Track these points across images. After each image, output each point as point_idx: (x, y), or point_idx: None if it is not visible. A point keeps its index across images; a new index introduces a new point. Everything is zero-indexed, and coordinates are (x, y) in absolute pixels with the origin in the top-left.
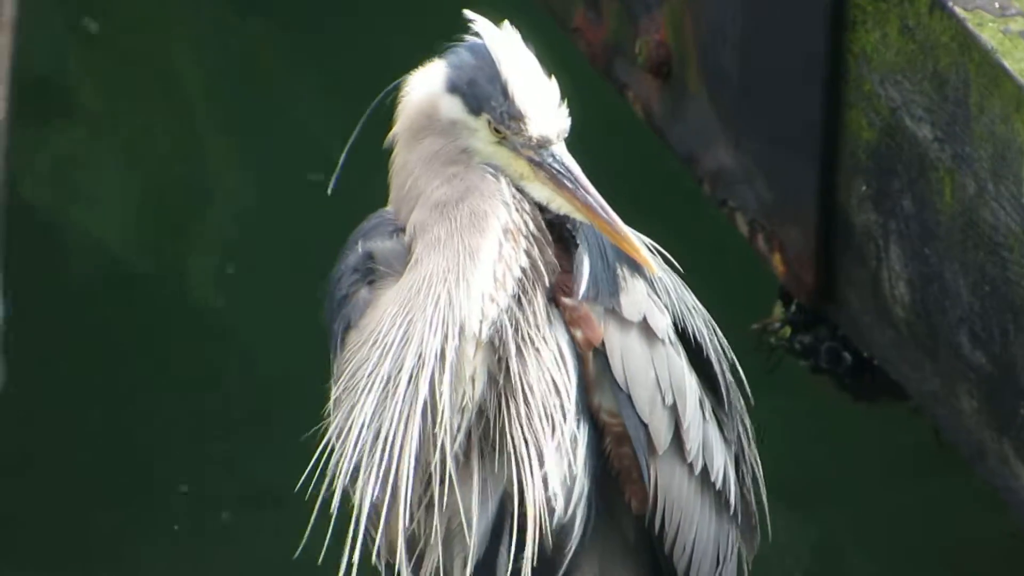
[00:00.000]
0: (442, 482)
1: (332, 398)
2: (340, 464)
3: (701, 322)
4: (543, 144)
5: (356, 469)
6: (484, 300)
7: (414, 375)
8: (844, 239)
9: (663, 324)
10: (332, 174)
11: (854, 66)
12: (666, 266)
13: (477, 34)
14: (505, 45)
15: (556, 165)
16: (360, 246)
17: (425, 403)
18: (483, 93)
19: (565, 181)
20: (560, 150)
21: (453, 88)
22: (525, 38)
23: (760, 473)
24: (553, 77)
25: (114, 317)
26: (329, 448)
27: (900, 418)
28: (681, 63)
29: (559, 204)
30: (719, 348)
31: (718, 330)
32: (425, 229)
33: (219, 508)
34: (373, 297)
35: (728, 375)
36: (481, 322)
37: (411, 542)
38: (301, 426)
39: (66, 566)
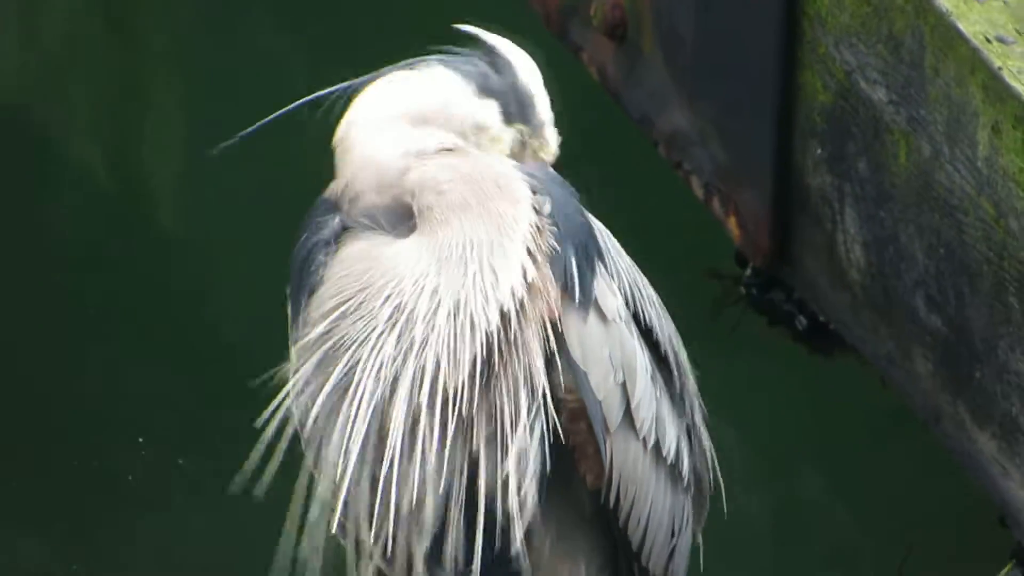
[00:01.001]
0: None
1: (295, 348)
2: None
3: (650, 302)
4: (551, 155)
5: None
6: (520, 271)
7: (431, 335)
8: (799, 202)
9: (614, 304)
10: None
11: (809, 29)
12: (618, 246)
13: (475, 43)
14: (528, 64)
15: None
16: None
17: (423, 368)
18: (522, 105)
19: None
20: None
21: (488, 93)
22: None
23: (711, 447)
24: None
25: (81, 288)
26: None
27: (859, 374)
28: (636, 25)
29: None
30: (667, 324)
31: (665, 312)
32: (443, 189)
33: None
34: (350, 242)
35: (679, 351)
36: (513, 293)
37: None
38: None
39: (27, 530)
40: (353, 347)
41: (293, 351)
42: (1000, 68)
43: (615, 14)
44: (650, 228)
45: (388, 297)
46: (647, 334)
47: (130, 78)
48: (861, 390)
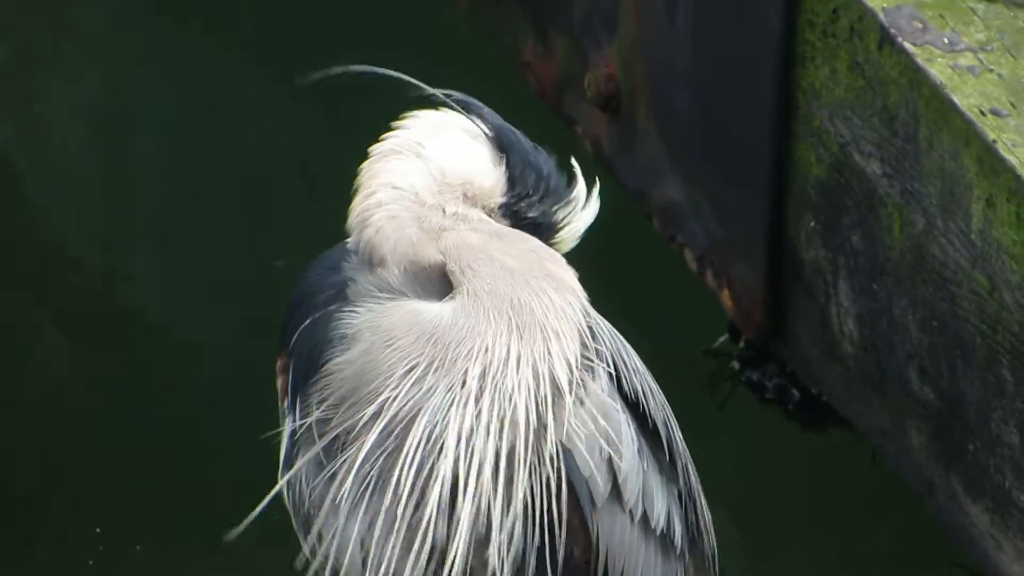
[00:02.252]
0: None
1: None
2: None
3: (635, 370)
4: None
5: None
6: (579, 335)
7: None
8: (793, 275)
9: (603, 378)
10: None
11: (803, 102)
12: (601, 317)
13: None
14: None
15: None
16: (336, 267)
17: (512, 441)
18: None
19: None
20: None
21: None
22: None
23: (706, 509)
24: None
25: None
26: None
27: (850, 449)
28: (630, 98)
29: None
30: (654, 390)
31: (651, 377)
32: (486, 259)
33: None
34: (383, 311)
35: (668, 417)
36: (570, 382)
37: None
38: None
39: None
40: (427, 417)
41: (294, 430)
42: (995, 141)
43: (609, 87)
44: (642, 302)
45: (469, 363)
46: (633, 405)
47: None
48: (850, 468)
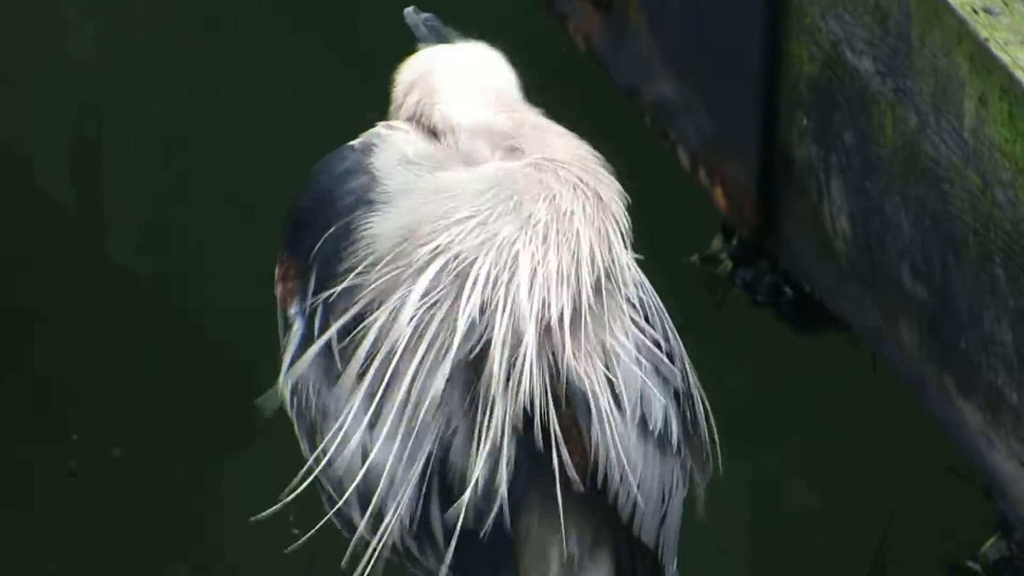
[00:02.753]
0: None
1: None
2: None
3: (631, 269)
4: None
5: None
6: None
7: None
8: (785, 173)
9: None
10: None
11: None
12: None
13: None
14: None
15: None
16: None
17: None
18: None
19: None
20: None
21: None
22: None
23: (705, 405)
24: None
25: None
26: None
27: (842, 349)
28: None
29: None
30: (650, 292)
31: (644, 280)
32: (555, 135)
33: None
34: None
35: (664, 315)
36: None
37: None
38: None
39: None
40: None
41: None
42: (987, 39)
43: None
44: (635, 202)
45: (535, 205)
46: (631, 306)
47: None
48: (844, 368)
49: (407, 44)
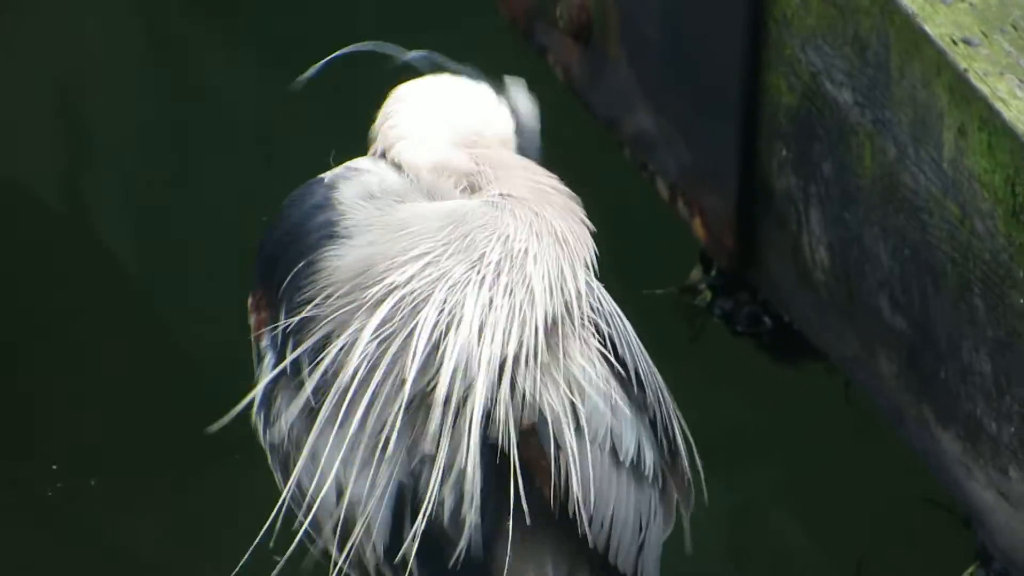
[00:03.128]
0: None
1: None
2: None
3: (598, 299)
4: None
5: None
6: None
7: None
8: (764, 204)
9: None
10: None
11: (775, 31)
12: None
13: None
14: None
15: None
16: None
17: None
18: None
19: None
20: None
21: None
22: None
23: (686, 434)
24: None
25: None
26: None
27: (821, 380)
28: (601, 27)
29: None
30: (618, 317)
31: (616, 308)
32: (518, 170)
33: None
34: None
35: (632, 343)
36: (579, 299)
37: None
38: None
39: None
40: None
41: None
42: (966, 70)
43: (581, 16)
44: (613, 233)
45: (488, 247)
46: (596, 337)
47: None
48: (823, 398)
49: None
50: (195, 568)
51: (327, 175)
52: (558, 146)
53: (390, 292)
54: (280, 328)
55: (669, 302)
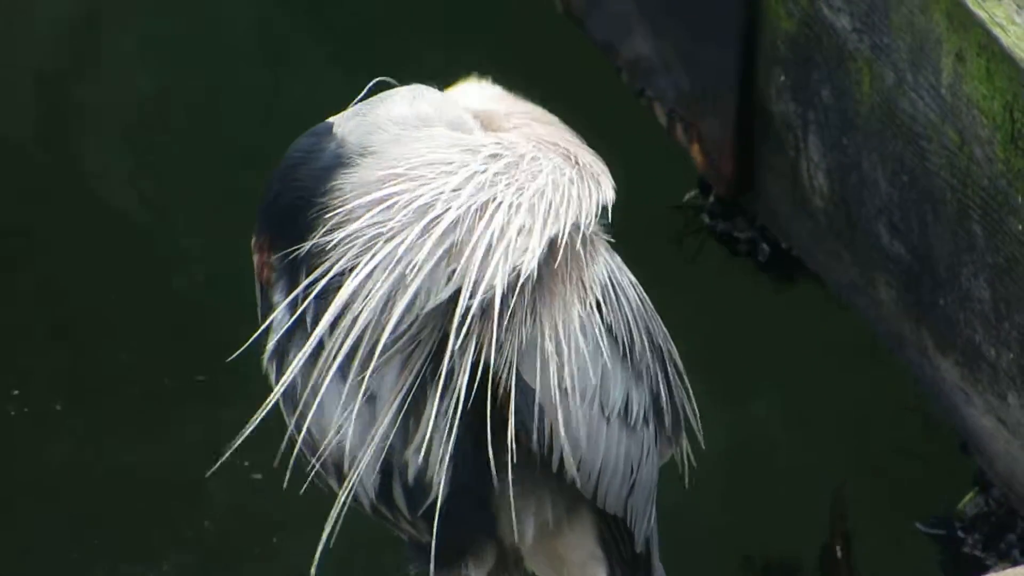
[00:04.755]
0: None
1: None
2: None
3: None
4: None
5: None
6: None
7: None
8: (763, 130)
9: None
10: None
11: None
12: None
13: None
14: None
15: None
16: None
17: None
18: None
19: None
20: None
21: None
22: None
23: (680, 372)
24: None
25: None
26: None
27: (819, 302)
28: None
29: None
30: (620, 269)
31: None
32: (541, 124)
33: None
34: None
35: (625, 289)
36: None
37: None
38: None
39: None
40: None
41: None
42: None
43: None
44: (612, 157)
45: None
46: (592, 290)
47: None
48: (823, 319)
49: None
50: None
51: (335, 118)
52: (556, 72)
53: (417, 208)
54: (290, 259)
55: (666, 224)
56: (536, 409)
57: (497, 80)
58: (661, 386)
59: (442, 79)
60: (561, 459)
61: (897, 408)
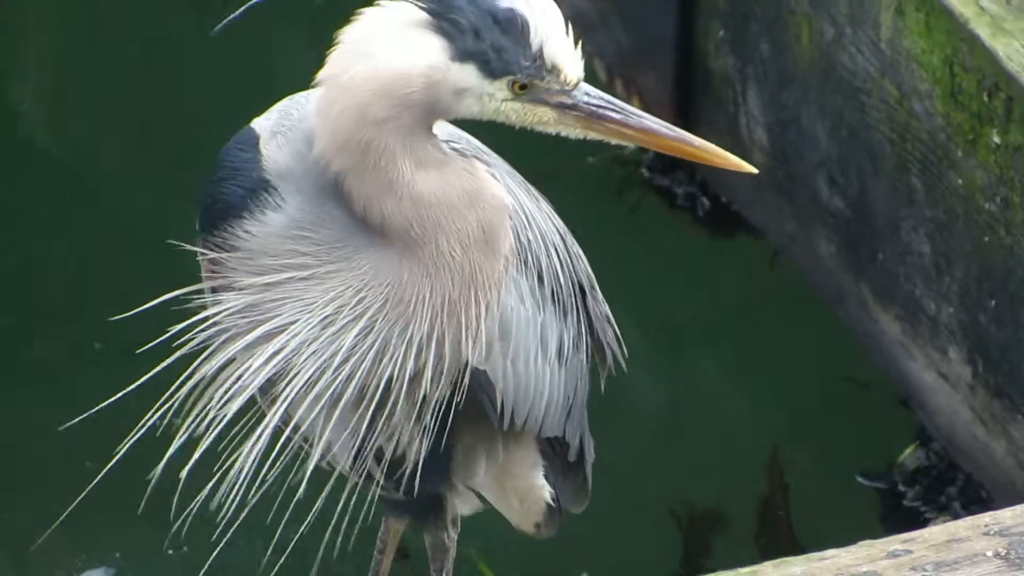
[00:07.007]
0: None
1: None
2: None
3: (524, 197)
4: (575, 87)
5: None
6: (479, 334)
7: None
8: (702, 84)
9: None
10: None
11: None
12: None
13: None
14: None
15: (595, 101)
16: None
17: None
18: (511, 56)
19: (612, 113)
20: (589, 87)
21: (466, 56)
22: None
23: (605, 311)
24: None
25: None
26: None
27: (758, 257)
28: None
29: (596, 136)
30: (536, 209)
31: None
32: (408, 226)
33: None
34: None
35: (550, 239)
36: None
37: None
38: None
39: None
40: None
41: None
42: None
43: None
44: None
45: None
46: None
47: None
48: (762, 274)
49: None
50: None
51: (258, 122)
52: None
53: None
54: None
55: (607, 177)
56: (492, 390)
57: None
58: (580, 311)
59: None
60: (513, 416)
61: (836, 363)
